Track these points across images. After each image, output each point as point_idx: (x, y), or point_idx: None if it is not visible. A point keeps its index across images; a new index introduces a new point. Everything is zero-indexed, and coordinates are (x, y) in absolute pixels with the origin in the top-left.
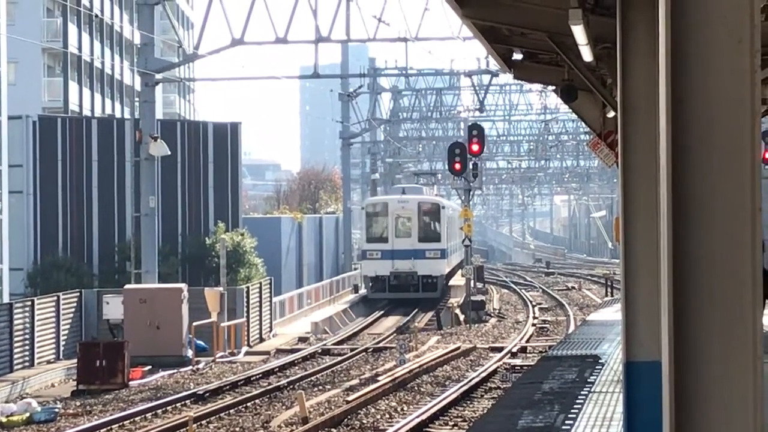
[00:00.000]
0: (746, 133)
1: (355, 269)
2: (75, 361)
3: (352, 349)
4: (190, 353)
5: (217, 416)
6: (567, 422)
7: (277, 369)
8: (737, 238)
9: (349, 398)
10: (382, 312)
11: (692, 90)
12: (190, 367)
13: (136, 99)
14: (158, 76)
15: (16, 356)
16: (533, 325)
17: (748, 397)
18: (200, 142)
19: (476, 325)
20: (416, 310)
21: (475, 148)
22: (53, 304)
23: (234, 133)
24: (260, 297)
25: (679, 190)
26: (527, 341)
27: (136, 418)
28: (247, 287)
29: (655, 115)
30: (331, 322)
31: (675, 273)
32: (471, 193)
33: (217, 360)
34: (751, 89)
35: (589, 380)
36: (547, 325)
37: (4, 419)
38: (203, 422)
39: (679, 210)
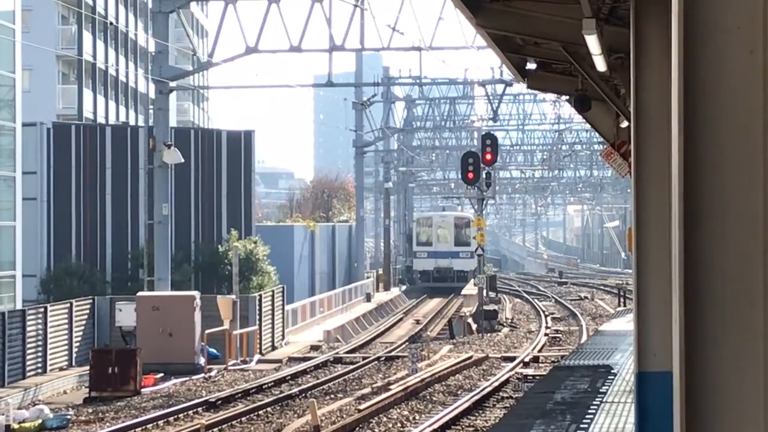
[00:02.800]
0: (759, 144)
1: (368, 278)
2: (87, 368)
3: (364, 358)
4: (202, 361)
5: (229, 424)
6: None
7: (289, 377)
8: (749, 248)
9: (361, 407)
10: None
11: (705, 100)
12: (202, 375)
13: (150, 107)
14: (172, 84)
15: (28, 363)
16: (546, 334)
17: (760, 408)
18: (214, 149)
19: (489, 334)
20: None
21: (488, 157)
22: (66, 310)
23: (247, 141)
24: (273, 305)
25: (691, 200)
26: (540, 351)
27: (148, 426)
28: (260, 295)
29: (668, 126)
30: (344, 330)
31: (686, 283)
32: (484, 202)
33: (229, 368)
34: (763, 99)
35: (601, 390)
36: (560, 335)
37: (16, 426)
38: (215, 430)
39: (691, 220)
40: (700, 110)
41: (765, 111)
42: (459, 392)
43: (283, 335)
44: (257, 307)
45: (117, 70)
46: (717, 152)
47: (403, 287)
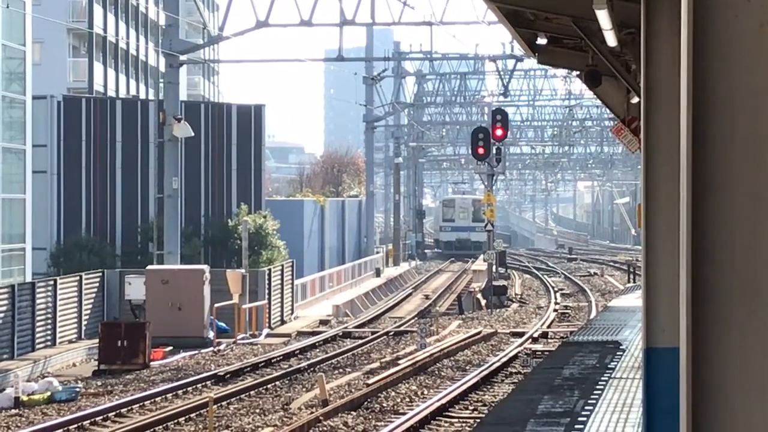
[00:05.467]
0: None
1: (377, 253)
2: (97, 341)
3: (372, 333)
4: (211, 334)
5: (238, 398)
6: (587, 408)
7: (297, 351)
8: (757, 225)
9: (370, 381)
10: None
11: (714, 75)
12: (211, 349)
13: (161, 80)
14: (183, 58)
15: (38, 335)
16: (555, 310)
17: (766, 385)
18: (224, 124)
19: (498, 310)
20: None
21: (498, 133)
22: (76, 283)
23: (258, 115)
24: (282, 279)
25: (699, 176)
26: (548, 327)
27: (157, 399)
28: (269, 269)
29: (678, 101)
30: (353, 305)
31: (693, 259)
32: (494, 178)
33: (238, 342)
34: None
35: (609, 366)
36: (569, 311)
37: (25, 398)
38: (223, 403)
39: (699, 196)
40: (710, 85)
41: None
42: (467, 367)
43: (292, 309)
44: (267, 282)
45: (128, 44)
46: (726, 128)
47: (413, 263)
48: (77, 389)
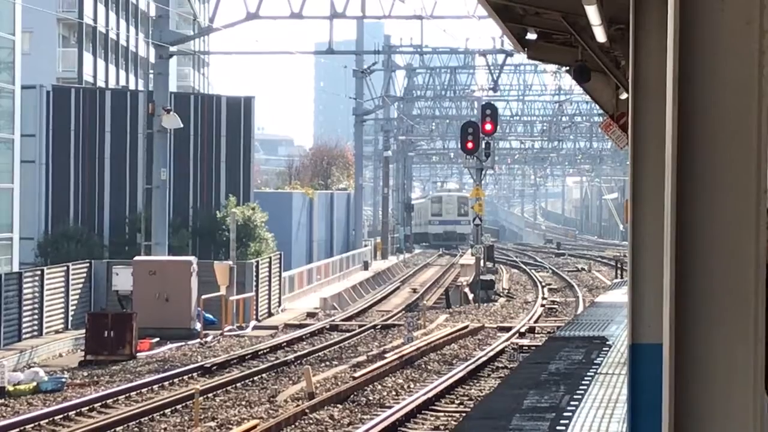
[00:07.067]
0: (753, 116)
1: (366, 246)
2: (83, 331)
3: (360, 326)
4: (198, 326)
5: (224, 389)
6: (572, 403)
7: (284, 344)
8: (741, 220)
9: (356, 374)
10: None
11: (700, 71)
12: (198, 340)
13: (150, 71)
14: (172, 49)
15: (24, 325)
16: (542, 305)
17: (749, 381)
18: (213, 115)
19: (485, 304)
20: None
21: (488, 127)
22: (63, 274)
23: (247, 107)
24: (270, 272)
25: (684, 172)
26: (535, 321)
27: (143, 390)
28: (257, 261)
29: (665, 98)
30: (340, 298)
31: (678, 254)
32: (483, 172)
33: (225, 333)
34: (758, 71)
35: (595, 362)
36: (556, 306)
37: (11, 388)
38: (210, 395)
39: (684, 192)
40: (696, 81)
41: (760, 82)
42: (454, 361)
43: (279, 302)
44: (254, 274)
45: (117, 34)
46: (711, 123)
47: (401, 256)
48: (63, 380)
